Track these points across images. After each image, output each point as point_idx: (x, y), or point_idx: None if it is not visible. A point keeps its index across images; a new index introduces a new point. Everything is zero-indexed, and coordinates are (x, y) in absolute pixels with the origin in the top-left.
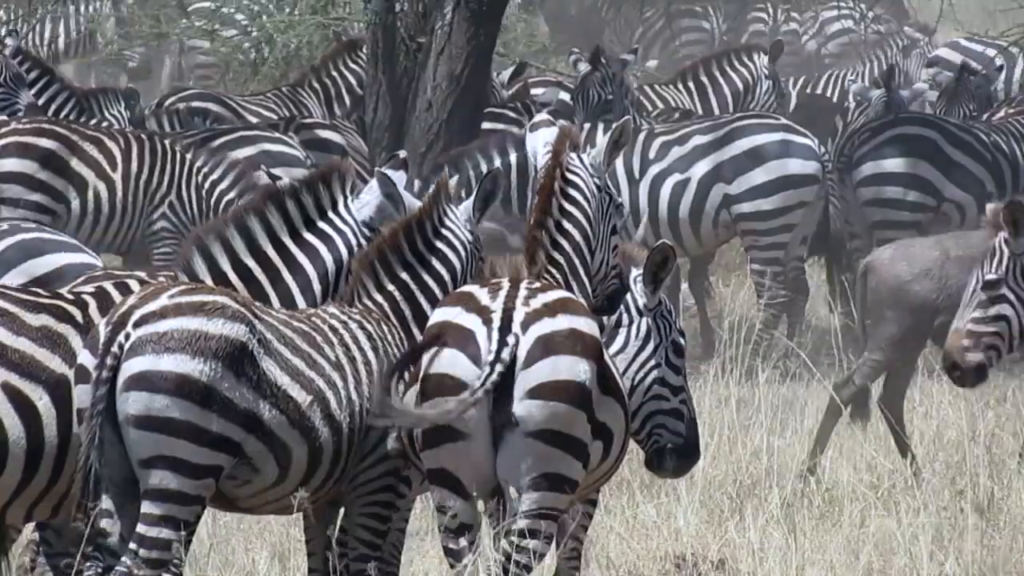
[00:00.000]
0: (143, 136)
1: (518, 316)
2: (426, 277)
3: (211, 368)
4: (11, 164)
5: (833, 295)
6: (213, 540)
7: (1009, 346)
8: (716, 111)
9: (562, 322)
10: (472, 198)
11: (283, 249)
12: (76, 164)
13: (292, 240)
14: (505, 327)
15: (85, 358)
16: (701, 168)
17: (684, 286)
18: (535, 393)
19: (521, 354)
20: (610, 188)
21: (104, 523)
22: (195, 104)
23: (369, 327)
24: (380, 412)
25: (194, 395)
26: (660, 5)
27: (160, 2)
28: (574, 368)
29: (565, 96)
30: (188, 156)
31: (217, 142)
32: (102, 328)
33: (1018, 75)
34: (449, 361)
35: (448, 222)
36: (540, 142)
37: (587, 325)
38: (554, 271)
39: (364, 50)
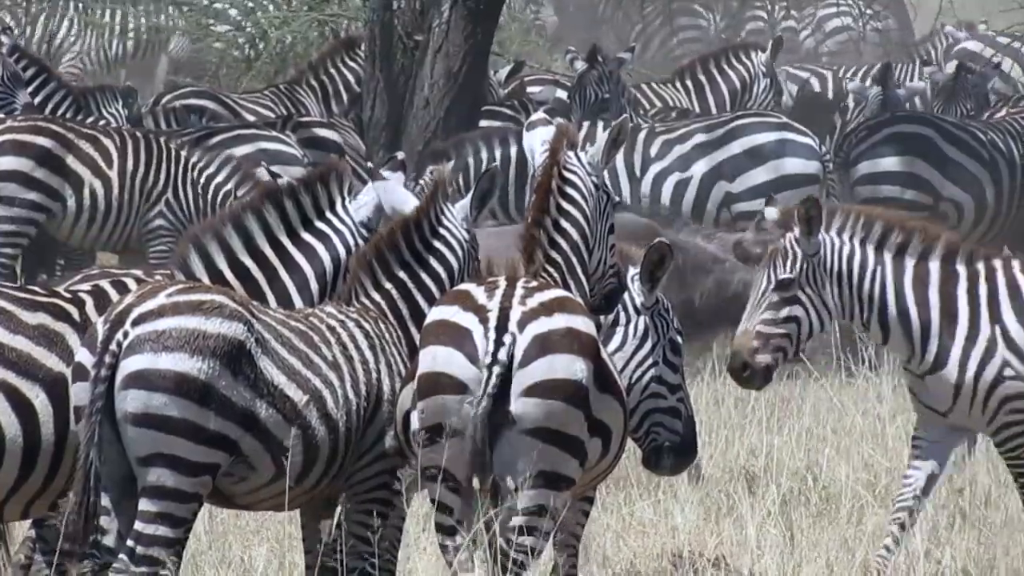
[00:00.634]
0: (140, 134)
1: (515, 315)
2: (423, 276)
3: (209, 367)
4: (7, 162)
5: None
6: (210, 537)
7: (796, 349)
8: (713, 109)
9: (559, 321)
10: (469, 197)
11: (280, 248)
12: (72, 162)
13: (290, 239)
14: (502, 326)
15: (83, 356)
16: (702, 166)
17: None
18: (532, 391)
19: (518, 353)
20: (608, 187)
21: (102, 521)
22: (192, 102)
23: (366, 326)
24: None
25: (192, 393)
26: (659, 3)
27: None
28: (571, 367)
29: (562, 94)
30: (185, 154)
31: (214, 140)
32: (100, 326)
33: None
34: (445, 360)
35: (445, 221)
36: (538, 141)
37: (584, 324)
38: (552, 270)
39: (362, 48)
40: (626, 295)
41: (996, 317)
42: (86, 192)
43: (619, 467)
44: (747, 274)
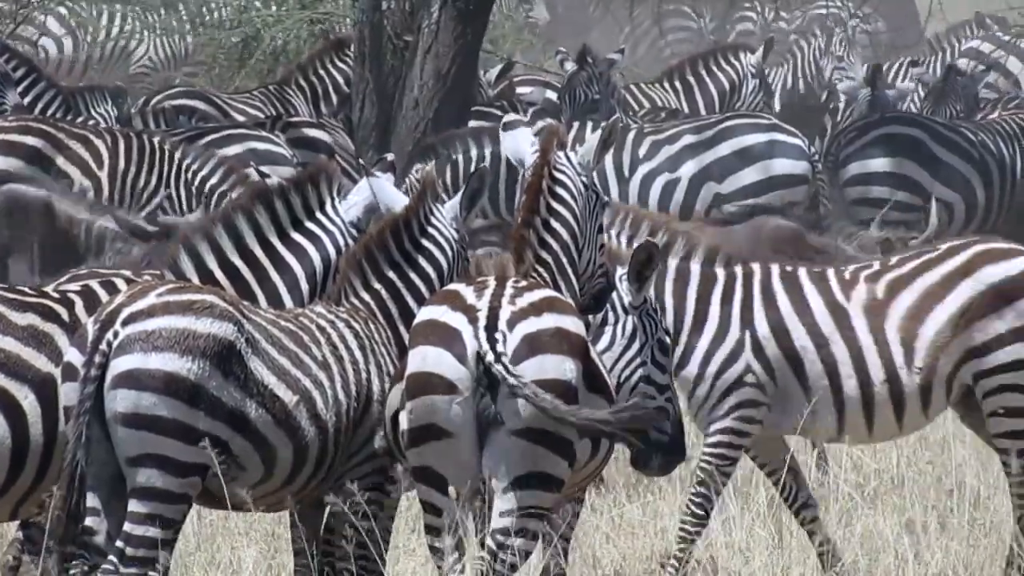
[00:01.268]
0: (131, 134)
1: (504, 314)
2: (413, 276)
3: (199, 367)
4: None
5: None
6: (199, 538)
7: None
8: (702, 110)
9: (548, 321)
10: (458, 196)
11: (270, 249)
12: (62, 162)
13: (280, 240)
14: (491, 326)
15: (73, 356)
16: (691, 167)
17: None
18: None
19: (507, 353)
20: (597, 186)
21: (91, 521)
22: (181, 102)
23: (356, 326)
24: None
25: (182, 393)
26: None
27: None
28: (560, 367)
29: (552, 95)
30: (176, 154)
31: (204, 140)
32: (90, 326)
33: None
34: (435, 360)
35: (435, 221)
36: (516, 141)
37: (573, 324)
38: (541, 270)
39: (351, 48)
40: (614, 295)
41: (747, 321)
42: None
43: (607, 468)
44: None
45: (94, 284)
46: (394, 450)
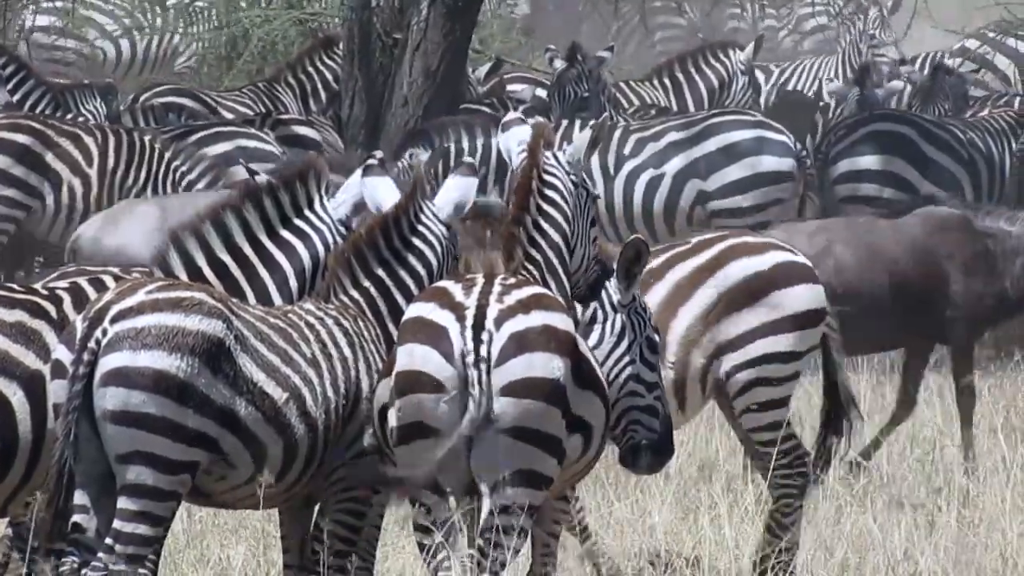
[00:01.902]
0: (120, 131)
1: (492, 312)
2: (402, 273)
3: (188, 364)
4: None
5: None
6: (188, 536)
7: None
8: (691, 108)
9: (536, 318)
10: (444, 191)
11: (259, 246)
12: (51, 159)
13: (268, 237)
14: (478, 324)
15: (62, 353)
16: (676, 164)
17: None
18: (509, 390)
19: (495, 351)
20: (587, 183)
21: (80, 519)
22: (170, 100)
23: (345, 323)
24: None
25: (171, 391)
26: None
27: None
28: (548, 365)
29: (541, 93)
30: (166, 152)
31: (193, 138)
32: (79, 324)
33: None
34: (422, 358)
35: (424, 218)
36: (514, 141)
37: (562, 321)
38: (531, 268)
39: (340, 46)
40: (603, 293)
41: None
42: (65, 189)
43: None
44: None
45: (83, 281)
46: (382, 445)
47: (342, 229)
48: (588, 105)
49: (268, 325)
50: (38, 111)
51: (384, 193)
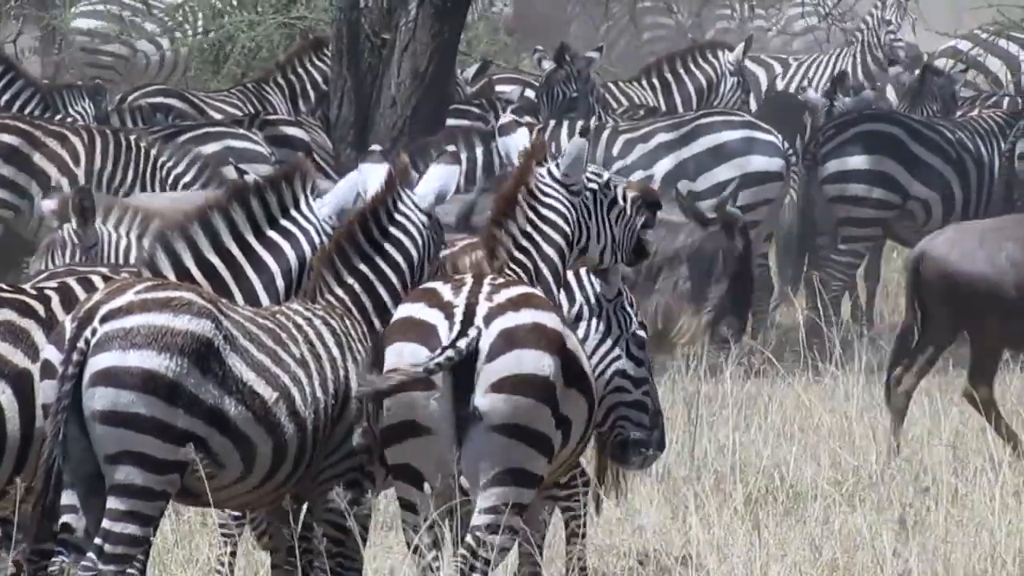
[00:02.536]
0: (108, 131)
1: (481, 310)
2: (383, 266)
3: (177, 364)
4: None
5: (796, 291)
6: (177, 535)
7: None
8: (680, 108)
9: (525, 316)
10: (426, 180)
11: (247, 246)
12: (39, 160)
13: (256, 238)
14: (467, 322)
15: (51, 353)
16: (665, 165)
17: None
18: (498, 387)
19: (484, 348)
20: (597, 180)
21: (69, 518)
22: (158, 100)
23: (333, 323)
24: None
25: (160, 391)
26: (626, 1)
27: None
28: (538, 362)
29: (530, 94)
30: (153, 151)
31: (181, 138)
32: (68, 324)
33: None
34: (412, 356)
35: (402, 207)
36: (513, 147)
37: (551, 319)
38: (517, 268)
39: (329, 47)
40: (589, 289)
41: None
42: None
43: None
44: None
45: (71, 281)
46: (373, 447)
47: (328, 228)
48: (576, 106)
49: (257, 325)
50: (27, 112)
51: (375, 181)
